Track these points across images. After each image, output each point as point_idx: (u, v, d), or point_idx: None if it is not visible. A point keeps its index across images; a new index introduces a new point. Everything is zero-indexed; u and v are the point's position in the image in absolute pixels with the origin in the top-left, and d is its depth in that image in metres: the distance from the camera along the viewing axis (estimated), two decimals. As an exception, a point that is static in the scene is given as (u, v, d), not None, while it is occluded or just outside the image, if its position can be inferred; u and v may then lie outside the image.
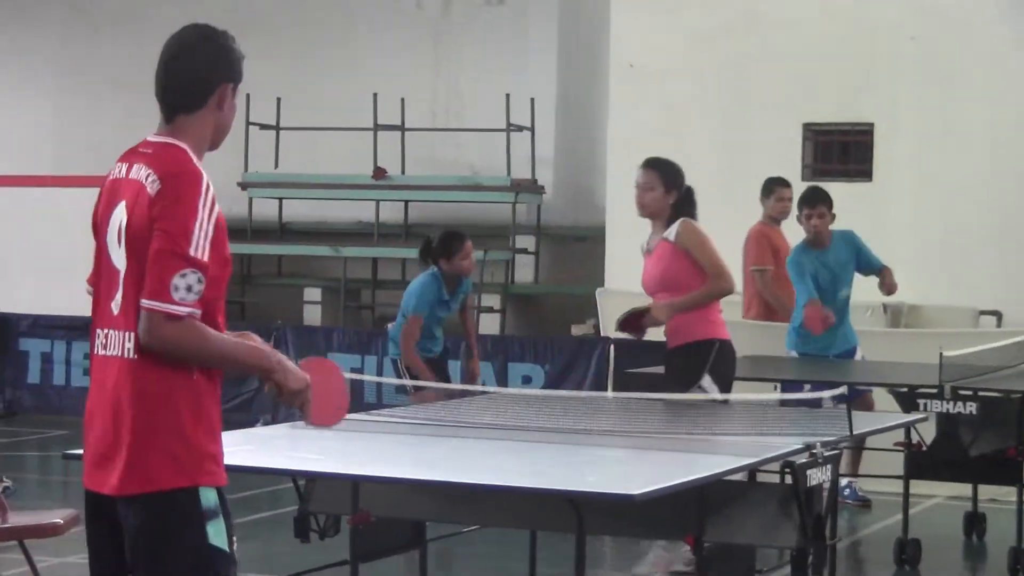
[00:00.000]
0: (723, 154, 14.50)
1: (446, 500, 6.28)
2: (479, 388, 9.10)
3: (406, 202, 17.56)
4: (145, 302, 4.09)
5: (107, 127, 19.06)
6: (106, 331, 4.27)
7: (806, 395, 7.70)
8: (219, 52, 4.47)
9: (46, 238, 17.02)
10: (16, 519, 7.01)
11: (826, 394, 7.87)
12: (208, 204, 4.17)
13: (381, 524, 6.47)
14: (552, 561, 7.79)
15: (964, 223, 14.21)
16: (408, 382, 9.74)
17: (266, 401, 14.55)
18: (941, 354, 8.81)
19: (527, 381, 13.91)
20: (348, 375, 9.44)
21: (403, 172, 17.48)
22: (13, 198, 17.31)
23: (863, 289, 11.74)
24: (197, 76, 4.40)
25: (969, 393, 8.79)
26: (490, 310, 16.78)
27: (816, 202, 10.56)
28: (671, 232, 8.04)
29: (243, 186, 17.61)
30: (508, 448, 6.25)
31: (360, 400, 13.57)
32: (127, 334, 4.20)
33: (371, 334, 14.83)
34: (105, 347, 4.27)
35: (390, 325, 10.64)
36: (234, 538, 4.28)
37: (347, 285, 17.47)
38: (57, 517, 6.98)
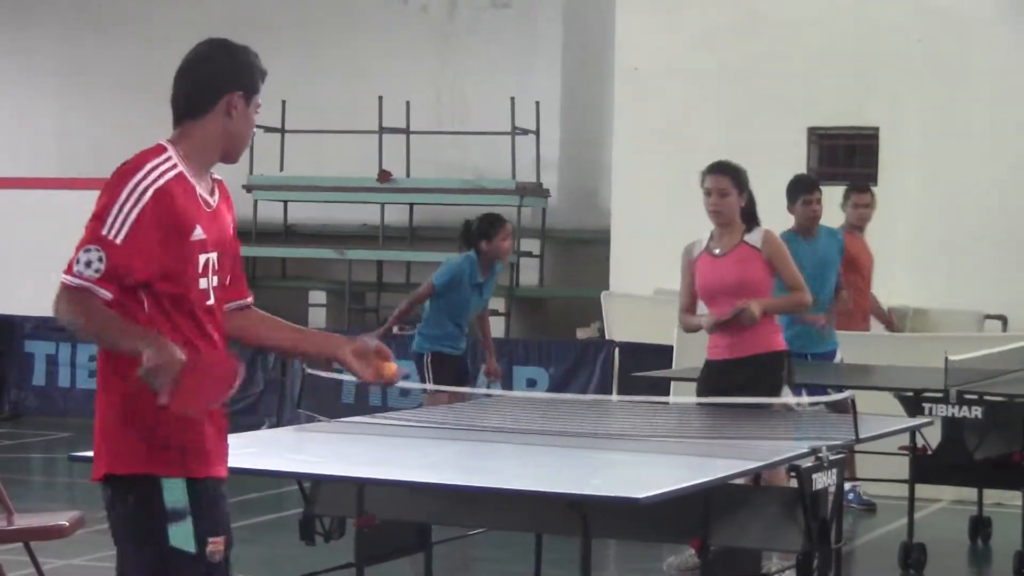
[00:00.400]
0: (728, 158, 14.43)
1: (451, 503, 6.28)
2: (484, 392, 9.10)
3: (411, 205, 17.56)
4: (67, 276, 4.25)
5: (111, 129, 19.07)
6: None
7: (807, 399, 7.68)
8: (229, 61, 4.51)
9: (50, 240, 16.96)
10: (21, 521, 7.01)
11: (824, 399, 7.85)
12: (135, 193, 4.25)
13: (386, 527, 6.47)
14: (557, 564, 7.78)
15: (969, 227, 14.21)
16: (424, 386, 9.72)
17: (271, 404, 14.56)
18: (946, 358, 8.81)
19: (532, 384, 13.91)
20: (353, 378, 9.45)
21: (408, 175, 17.48)
22: (17, 200, 17.32)
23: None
24: (203, 82, 4.46)
25: (974, 397, 8.78)
26: (495, 313, 16.75)
27: (814, 188, 10.45)
28: (754, 238, 8.04)
29: (248, 188, 17.62)
30: (513, 451, 6.25)
31: (365, 403, 13.57)
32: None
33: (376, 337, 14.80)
34: None
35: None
36: (212, 539, 4.25)
37: (352, 288, 17.48)
38: (63, 519, 6.98)
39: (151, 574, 4.27)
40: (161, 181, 4.28)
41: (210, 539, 4.25)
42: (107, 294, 4.21)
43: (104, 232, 4.23)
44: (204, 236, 4.33)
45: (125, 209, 4.25)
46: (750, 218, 8.14)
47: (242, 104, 4.45)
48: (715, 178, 8.09)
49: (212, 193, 4.44)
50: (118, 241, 4.21)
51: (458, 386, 9.65)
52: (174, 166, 4.34)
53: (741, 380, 7.81)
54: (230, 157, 4.49)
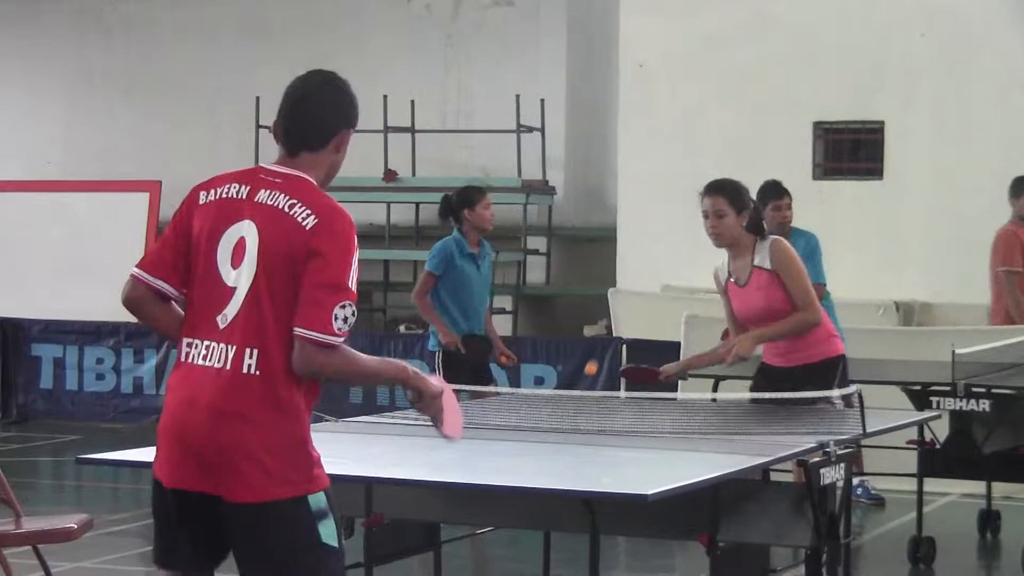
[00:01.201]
0: (733, 153, 14.49)
1: (460, 502, 6.28)
2: (490, 389, 9.05)
3: (417, 204, 17.56)
4: (302, 331, 4.33)
5: (119, 133, 19.13)
6: (206, 343, 4.42)
7: (814, 394, 7.66)
8: (343, 97, 4.71)
9: (58, 243, 17.05)
10: (30, 524, 7.02)
11: (835, 392, 7.81)
12: (356, 248, 4.48)
13: (395, 526, 6.47)
14: (566, 563, 7.79)
15: (976, 221, 14.17)
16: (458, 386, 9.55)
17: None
18: (954, 352, 8.80)
19: (540, 382, 13.91)
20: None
21: (414, 174, 17.49)
22: (25, 203, 17.35)
23: (875, 287, 11.77)
24: (324, 117, 4.64)
25: (982, 391, 8.77)
26: (502, 311, 16.78)
27: (783, 194, 10.22)
28: (763, 258, 7.63)
29: (254, 189, 17.62)
30: (521, 449, 6.25)
31: (373, 402, 13.58)
32: (240, 348, 4.37)
33: (383, 336, 14.84)
34: (206, 358, 4.42)
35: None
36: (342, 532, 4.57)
37: (358, 287, 17.46)
38: (71, 522, 6.98)
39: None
40: None
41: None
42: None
43: (350, 285, 4.45)
44: None
45: (355, 263, 4.50)
46: (757, 229, 7.77)
47: (347, 140, 4.67)
48: (710, 199, 7.67)
49: None
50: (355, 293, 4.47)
51: (478, 383, 9.44)
52: None
53: (788, 388, 7.45)
54: (323, 187, 4.64)
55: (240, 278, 4.41)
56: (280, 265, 4.39)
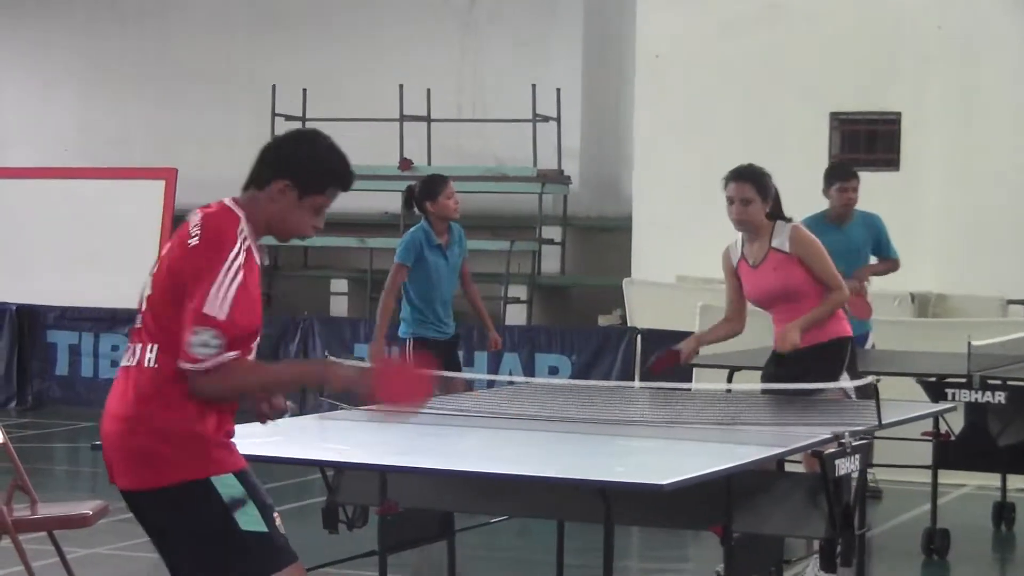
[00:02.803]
0: (749, 143, 14.45)
1: (474, 491, 6.28)
2: (504, 378, 9.05)
3: (432, 193, 17.53)
4: (180, 363, 4.46)
5: (132, 120, 19.14)
6: (130, 344, 4.65)
7: (829, 385, 7.64)
8: (296, 150, 4.72)
9: (72, 230, 17.07)
10: (45, 510, 7.03)
11: (849, 384, 7.79)
12: (232, 270, 4.49)
13: (409, 515, 6.47)
14: (579, 552, 7.79)
15: (992, 212, 14.17)
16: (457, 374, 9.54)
17: (294, 393, 14.57)
18: (969, 343, 8.79)
19: (554, 372, 13.91)
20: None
21: (429, 163, 17.48)
22: (39, 190, 17.36)
23: (890, 278, 11.69)
24: (265, 161, 4.71)
25: (998, 382, 8.76)
26: (517, 301, 16.78)
27: (851, 176, 10.40)
28: (782, 241, 7.74)
29: (269, 178, 17.63)
30: (535, 438, 6.25)
31: (387, 391, 13.57)
32: (144, 346, 4.57)
33: (397, 325, 14.81)
34: (127, 358, 4.65)
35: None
36: (275, 516, 4.58)
37: (373, 276, 17.48)
38: (86, 508, 7.00)
39: (233, 566, 4.53)
40: (242, 257, 4.57)
41: (274, 514, 4.59)
42: (229, 355, 4.51)
43: (207, 310, 4.48)
44: None
45: (223, 288, 4.51)
46: (777, 215, 7.87)
47: (286, 194, 4.66)
48: (737, 186, 7.78)
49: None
50: (221, 318, 4.48)
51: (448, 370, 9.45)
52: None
53: (799, 369, 7.56)
54: (279, 238, 4.77)
55: (149, 286, 4.62)
56: (166, 275, 4.56)
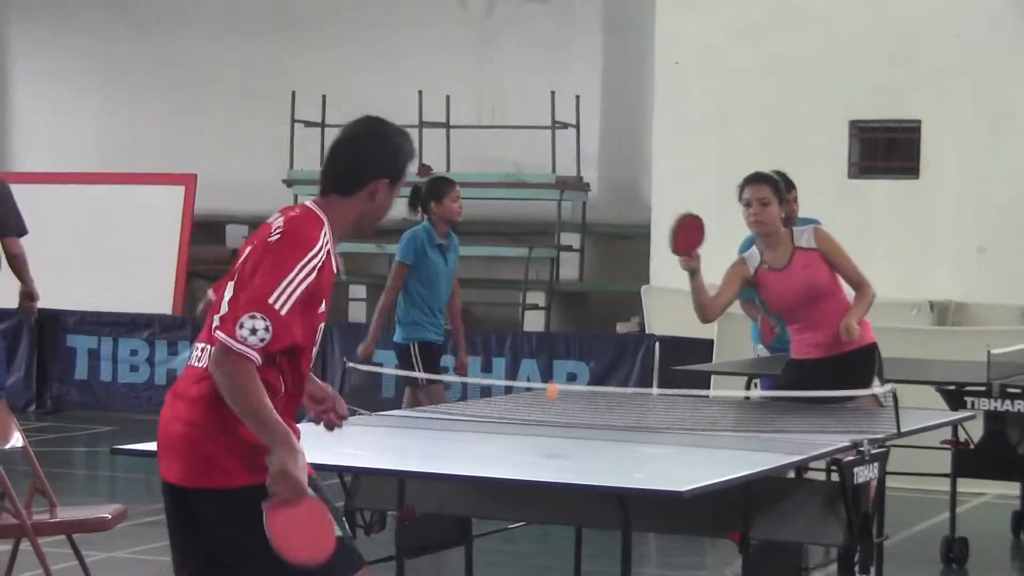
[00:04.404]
0: (769, 152, 14.44)
1: (492, 496, 6.28)
2: (521, 384, 9.04)
3: (451, 199, 17.55)
4: (216, 331, 4.36)
5: (150, 125, 19.17)
6: (202, 345, 4.53)
7: (853, 392, 7.63)
8: (383, 147, 4.72)
9: (91, 235, 17.10)
10: (64, 514, 7.04)
11: (880, 390, 7.78)
12: (306, 270, 4.40)
13: (427, 520, 6.48)
14: (597, 559, 7.78)
15: (1011, 220, 14.14)
16: (421, 375, 9.57)
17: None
18: (989, 352, 8.77)
19: (572, 378, 13.90)
20: (394, 372, 9.44)
21: (448, 169, 17.48)
22: (58, 195, 17.40)
23: (910, 286, 11.73)
24: (356, 165, 4.67)
25: (1017, 391, 8.75)
26: (535, 307, 16.78)
27: (791, 187, 10.08)
28: (804, 240, 7.81)
29: (288, 183, 17.65)
30: (553, 444, 6.25)
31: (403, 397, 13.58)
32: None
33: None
34: (200, 359, 4.52)
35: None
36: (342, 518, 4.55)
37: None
38: (105, 512, 7.00)
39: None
40: (321, 262, 4.48)
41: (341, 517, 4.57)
42: (257, 359, 4.35)
43: (271, 301, 4.35)
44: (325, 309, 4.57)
45: (293, 284, 4.40)
46: (788, 220, 8.00)
47: (386, 189, 4.70)
48: (755, 188, 7.86)
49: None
50: (282, 313, 4.36)
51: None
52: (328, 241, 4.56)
53: (831, 378, 7.54)
54: (362, 234, 4.78)
55: (229, 288, 4.51)
56: (248, 275, 4.45)
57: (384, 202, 4.73)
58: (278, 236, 4.46)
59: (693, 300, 7.94)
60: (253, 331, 4.31)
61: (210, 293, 4.79)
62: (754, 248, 7.99)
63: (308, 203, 4.65)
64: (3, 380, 11.21)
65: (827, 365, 7.71)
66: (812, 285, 7.76)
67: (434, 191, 9.96)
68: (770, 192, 7.85)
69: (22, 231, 10.73)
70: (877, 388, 7.59)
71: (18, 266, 10.63)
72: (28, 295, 10.76)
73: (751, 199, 7.84)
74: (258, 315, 4.31)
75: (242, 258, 4.56)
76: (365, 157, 4.69)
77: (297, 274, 4.38)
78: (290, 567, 4.34)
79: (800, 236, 7.86)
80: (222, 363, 4.31)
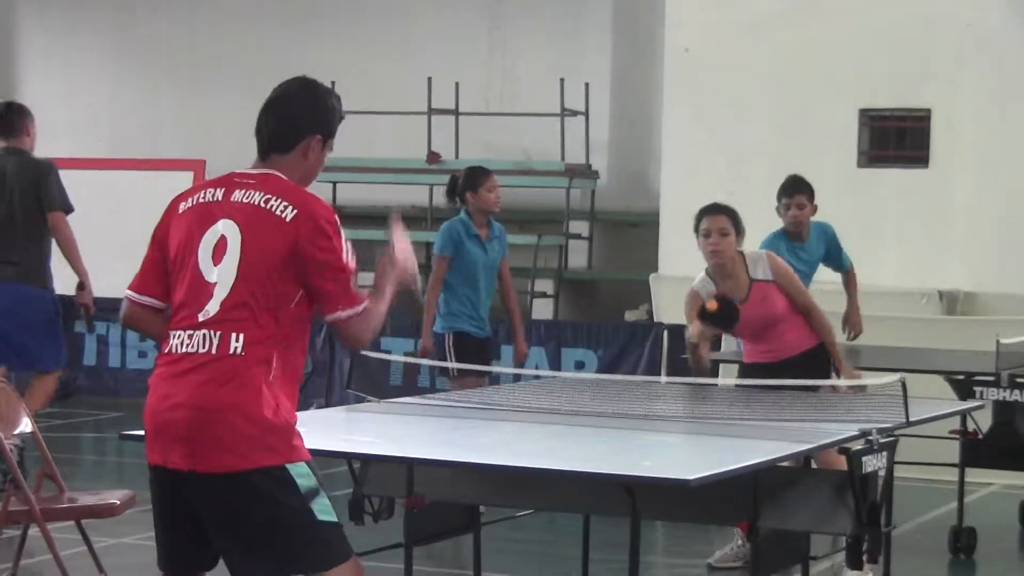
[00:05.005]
0: (778, 139, 14.44)
1: (500, 484, 6.28)
2: (530, 372, 9.02)
3: (460, 186, 17.54)
4: (341, 314, 4.71)
5: (163, 110, 19.17)
6: (189, 332, 4.64)
7: (864, 381, 7.64)
8: (316, 103, 4.86)
9: (102, 220, 17.09)
10: (73, 499, 7.06)
11: (841, 382, 7.85)
12: (341, 228, 4.78)
13: (435, 507, 6.48)
14: (604, 547, 7.79)
15: (1021, 209, 14.10)
16: (452, 364, 9.54)
17: (320, 385, 14.61)
18: (998, 341, 8.77)
19: (580, 366, 13.90)
20: (402, 359, 9.46)
21: (457, 156, 17.48)
22: (69, 180, 17.26)
23: (919, 276, 11.71)
24: (290, 121, 4.82)
25: (1026, 381, 8.74)
26: (543, 295, 16.77)
27: (794, 191, 9.84)
28: (759, 271, 7.98)
29: (297, 169, 17.66)
30: (562, 433, 6.25)
31: (414, 384, 13.60)
32: (227, 334, 4.61)
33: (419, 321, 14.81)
34: (189, 346, 4.64)
35: None
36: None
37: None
38: (114, 498, 7.02)
39: (305, 555, 4.60)
40: None
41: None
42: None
43: (347, 261, 4.80)
44: None
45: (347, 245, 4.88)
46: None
47: (318, 147, 4.82)
48: (713, 219, 8.03)
49: None
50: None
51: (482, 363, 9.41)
52: None
53: (791, 374, 7.74)
54: None
55: (223, 272, 4.63)
56: (262, 255, 4.63)
57: (316, 160, 4.83)
58: (294, 212, 4.63)
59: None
60: (356, 286, 4.73)
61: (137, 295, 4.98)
62: (703, 277, 8.06)
63: (270, 171, 4.78)
64: (59, 356, 10.88)
65: (776, 369, 7.94)
66: (771, 315, 7.98)
67: (470, 181, 9.89)
68: (728, 223, 8.01)
69: (68, 208, 10.55)
70: (837, 380, 7.78)
71: (63, 247, 10.35)
72: (79, 285, 10.49)
73: (710, 229, 8.02)
74: (348, 278, 4.74)
75: (214, 245, 4.68)
76: (298, 113, 4.81)
77: (342, 232, 4.76)
78: (290, 553, 4.53)
79: (755, 266, 7.99)
80: (365, 325, 4.76)
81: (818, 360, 8.02)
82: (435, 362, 9.54)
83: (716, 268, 8.02)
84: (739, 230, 8.01)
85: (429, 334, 9.85)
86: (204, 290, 4.65)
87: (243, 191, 4.71)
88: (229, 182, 4.78)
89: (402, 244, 5.08)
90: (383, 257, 5.00)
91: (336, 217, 4.74)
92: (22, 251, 10.27)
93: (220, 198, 4.73)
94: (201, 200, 4.78)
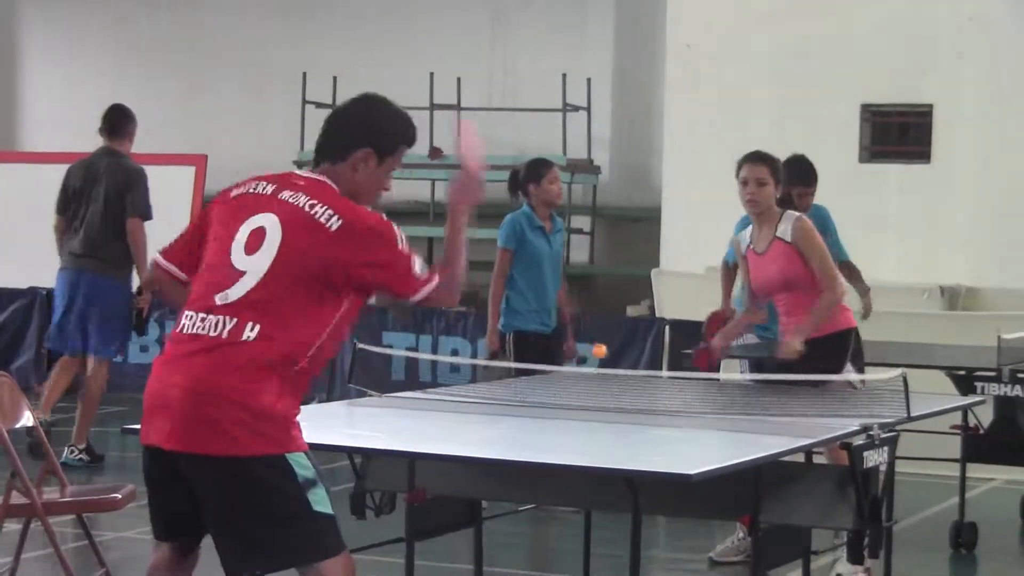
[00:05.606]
0: (780, 134, 14.40)
1: (502, 479, 6.29)
2: (561, 368, 8.90)
3: (462, 182, 17.53)
4: (418, 296, 4.76)
5: (166, 106, 19.15)
6: (201, 315, 4.66)
7: (866, 376, 7.64)
8: (371, 117, 4.87)
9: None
10: (75, 494, 7.06)
11: (855, 376, 7.81)
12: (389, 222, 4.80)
13: (437, 502, 6.48)
14: (606, 542, 7.79)
15: (1022, 204, 14.10)
16: (497, 363, 9.36)
17: (322, 379, 14.62)
18: (999, 337, 8.77)
19: (582, 361, 13.89)
20: (404, 353, 9.43)
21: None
22: (71, 176, 17.38)
23: (920, 271, 11.71)
24: (343, 133, 4.85)
25: (1027, 376, 8.74)
26: (544, 290, 16.76)
27: (807, 181, 9.58)
28: (786, 229, 7.79)
29: (299, 165, 17.63)
30: (563, 427, 6.26)
31: (415, 379, 13.60)
32: (242, 321, 4.61)
33: (426, 313, 14.83)
34: (201, 328, 4.65)
35: None
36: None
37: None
38: (115, 492, 7.02)
39: (300, 545, 4.62)
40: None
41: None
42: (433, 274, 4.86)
43: (401, 246, 4.83)
44: None
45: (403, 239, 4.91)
46: (784, 204, 7.98)
47: (370, 162, 4.83)
48: (753, 167, 7.87)
49: None
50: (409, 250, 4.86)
51: (548, 361, 9.02)
52: None
53: (802, 360, 7.51)
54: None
55: (255, 263, 4.64)
56: (298, 258, 4.63)
57: (368, 177, 4.83)
58: (340, 222, 4.66)
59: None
60: (419, 264, 4.76)
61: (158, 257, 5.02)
62: (746, 231, 8.04)
63: (315, 176, 4.83)
64: (121, 346, 11.87)
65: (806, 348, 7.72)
66: (784, 276, 7.79)
67: (532, 173, 9.84)
68: (767, 172, 7.87)
69: (147, 215, 11.07)
70: (851, 375, 7.63)
71: (134, 250, 10.99)
72: (138, 289, 11.07)
73: (748, 178, 7.89)
74: (413, 260, 4.77)
75: (248, 235, 4.69)
76: (350, 125, 4.82)
77: (396, 231, 4.79)
78: (282, 543, 4.59)
79: (784, 223, 7.83)
80: (441, 293, 4.76)
81: (834, 350, 7.81)
82: (495, 362, 9.34)
83: (753, 216, 7.97)
84: (777, 180, 7.87)
85: (496, 333, 9.66)
86: (229, 275, 4.65)
87: (292, 192, 4.73)
88: (283, 180, 4.80)
89: (468, 141, 5.13)
90: (452, 183, 5.03)
91: (379, 214, 4.77)
92: (109, 247, 11.08)
93: (270, 192, 4.76)
94: (252, 191, 4.80)
